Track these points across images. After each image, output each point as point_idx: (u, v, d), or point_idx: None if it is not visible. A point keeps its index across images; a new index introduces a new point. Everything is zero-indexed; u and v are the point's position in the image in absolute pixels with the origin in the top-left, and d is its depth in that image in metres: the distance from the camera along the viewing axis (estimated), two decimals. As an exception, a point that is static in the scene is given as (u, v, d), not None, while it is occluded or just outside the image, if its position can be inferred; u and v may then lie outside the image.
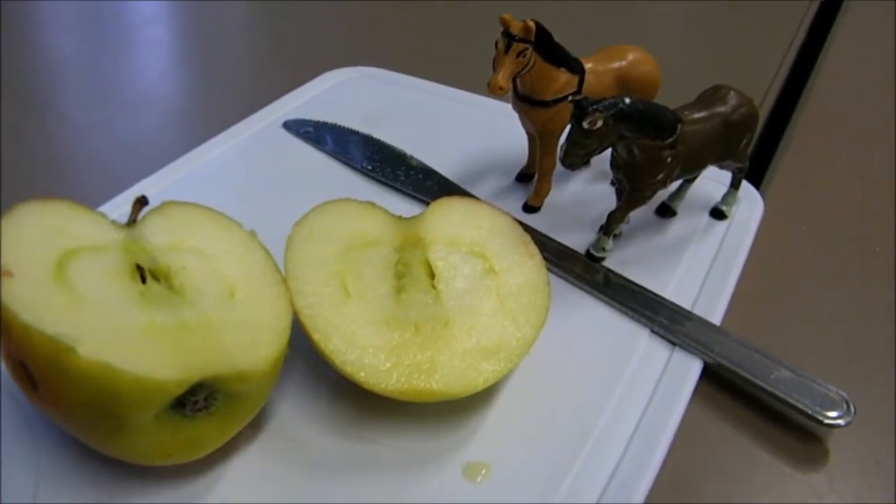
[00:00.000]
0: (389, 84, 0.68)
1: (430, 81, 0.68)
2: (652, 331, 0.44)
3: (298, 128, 0.61)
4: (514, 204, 0.53)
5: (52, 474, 0.35)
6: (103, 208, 0.49)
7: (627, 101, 0.42)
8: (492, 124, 0.61)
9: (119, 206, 0.49)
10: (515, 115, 0.52)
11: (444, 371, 0.36)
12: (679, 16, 0.92)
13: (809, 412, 0.39)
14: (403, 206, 0.53)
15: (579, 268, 0.48)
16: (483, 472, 0.36)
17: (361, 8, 0.89)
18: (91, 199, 0.39)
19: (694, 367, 0.42)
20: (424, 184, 0.55)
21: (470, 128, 0.62)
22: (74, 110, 0.68)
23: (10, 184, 0.55)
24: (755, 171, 0.59)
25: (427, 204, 0.52)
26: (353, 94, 0.67)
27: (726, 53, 0.80)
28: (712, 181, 0.54)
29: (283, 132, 0.61)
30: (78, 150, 0.63)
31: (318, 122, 0.61)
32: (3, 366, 0.34)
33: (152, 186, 0.52)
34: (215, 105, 0.69)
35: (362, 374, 0.36)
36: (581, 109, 0.41)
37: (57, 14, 0.86)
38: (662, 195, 0.51)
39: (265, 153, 0.59)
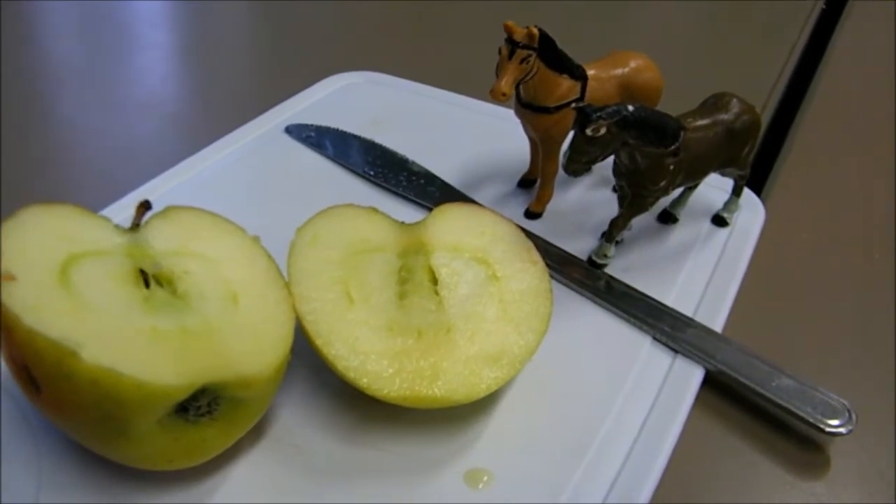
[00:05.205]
0: (392, 89, 0.68)
1: (432, 87, 0.68)
2: (654, 338, 0.44)
3: (300, 132, 0.61)
4: (516, 210, 0.53)
5: (53, 476, 0.35)
6: (105, 212, 0.49)
7: (631, 108, 0.42)
8: (493, 130, 0.62)
9: (121, 211, 0.48)
10: (517, 121, 0.52)
11: (447, 377, 0.36)
12: (679, 21, 0.92)
13: (811, 420, 0.39)
14: (405, 212, 0.53)
15: (581, 274, 0.48)
16: (485, 478, 0.36)
17: (365, 12, 0.89)
18: (92, 202, 0.39)
19: (696, 375, 0.42)
20: (426, 189, 0.55)
21: (472, 133, 0.62)
22: (75, 114, 0.68)
23: (12, 187, 0.55)
24: (756, 178, 0.59)
25: (429, 209, 0.52)
26: (356, 99, 0.67)
27: (727, 60, 0.80)
28: (714, 188, 0.54)
29: (285, 137, 0.61)
30: (79, 154, 0.63)
31: (321, 126, 0.61)
32: (6, 368, 0.34)
33: (154, 191, 0.52)
34: (217, 109, 0.69)
35: (365, 380, 0.36)
36: (585, 117, 0.41)
37: (60, 18, 0.86)
38: (664, 202, 0.51)
39: (267, 158, 0.59)
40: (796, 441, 0.40)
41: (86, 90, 0.72)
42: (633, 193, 0.46)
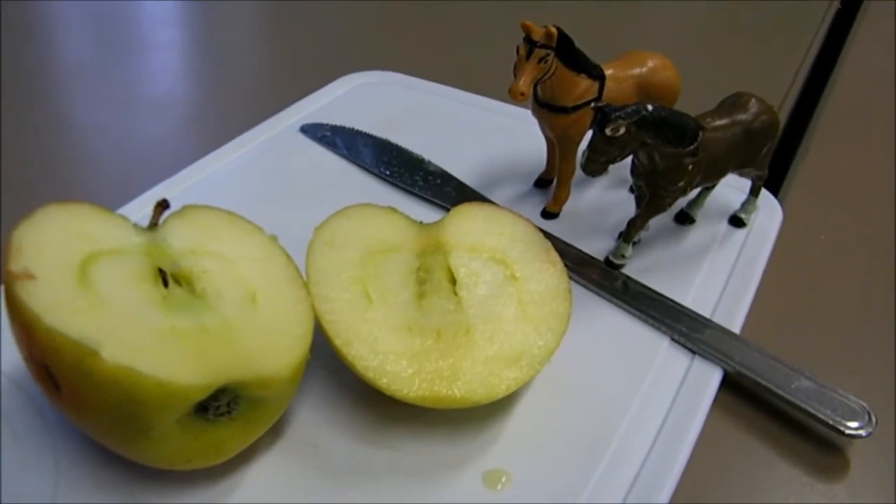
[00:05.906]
0: (407, 88, 0.68)
1: (447, 86, 0.68)
2: (672, 339, 0.43)
3: (316, 132, 0.61)
4: (533, 210, 0.53)
5: (70, 475, 0.36)
6: (120, 212, 0.49)
7: (650, 107, 0.41)
8: (509, 129, 0.61)
9: (137, 210, 0.49)
10: (533, 121, 0.52)
11: (466, 378, 0.36)
12: (694, 20, 0.92)
13: (830, 422, 0.39)
14: (421, 211, 0.53)
15: (598, 275, 0.48)
16: (503, 479, 0.36)
17: (380, 11, 0.89)
18: (106, 202, 0.39)
19: (714, 376, 0.41)
20: (442, 189, 0.55)
21: (488, 133, 0.62)
22: (91, 114, 0.68)
23: (26, 187, 0.55)
24: (773, 178, 0.59)
25: (445, 209, 0.52)
26: (371, 99, 0.67)
27: (742, 59, 0.80)
28: (731, 189, 0.54)
29: (301, 136, 0.61)
30: (94, 154, 0.63)
31: (336, 126, 0.61)
32: (26, 367, 0.34)
33: (170, 190, 0.52)
34: (232, 108, 0.69)
35: (384, 380, 0.36)
36: (604, 116, 0.41)
37: (73, 18, 0.86)
38: (681, 203, 0.51)
39: (282, 157, 0.59)
40: (815, 443, 0.40)
41: (99, 89, 0.72)
42: (652, 194, 0.46)
